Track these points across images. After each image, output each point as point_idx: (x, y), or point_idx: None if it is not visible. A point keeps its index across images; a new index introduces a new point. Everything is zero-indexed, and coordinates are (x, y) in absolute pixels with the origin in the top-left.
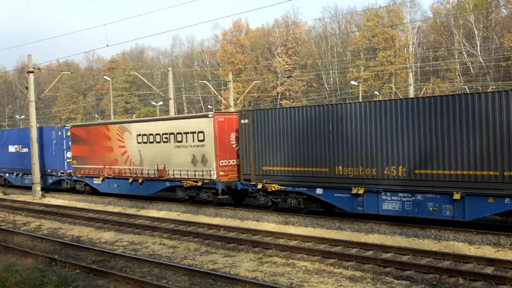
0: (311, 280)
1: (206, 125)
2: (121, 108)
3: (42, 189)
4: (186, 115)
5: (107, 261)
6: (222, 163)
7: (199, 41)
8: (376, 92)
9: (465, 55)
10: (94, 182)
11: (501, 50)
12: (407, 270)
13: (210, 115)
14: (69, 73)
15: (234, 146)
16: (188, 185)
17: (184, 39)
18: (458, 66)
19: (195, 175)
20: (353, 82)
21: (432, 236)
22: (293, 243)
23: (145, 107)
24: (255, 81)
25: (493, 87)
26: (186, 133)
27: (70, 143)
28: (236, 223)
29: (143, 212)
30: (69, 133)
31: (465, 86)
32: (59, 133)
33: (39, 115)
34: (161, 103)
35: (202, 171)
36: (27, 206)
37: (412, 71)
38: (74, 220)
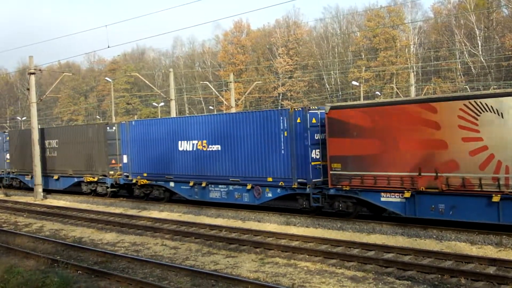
0: (313, 280)
1: None
2: (123, 109)
3: (253, 207)
4: None
5: (109, 262)
6: None
7: (200, 42)
8: (377, 93)
9: (466, 55)
10: (384, 199)
11: (502, 49)
12: (409, 270)
13: None
14: (71, 74)
15: None
16: None
17: (185, 40)
18: (460, 66)
19: None
20: (354, 83)
21: (434, 236)
22: (295, 243)
23: (147, 108)
24: (256, 82)
25: (495, 87)
26: None
27: (324, 136)
28: (238, 223)
29: (144, 213)
30: (314, 120)
31: (467, 86)
32: (298, 120)
33: (41, 116)
34: (162, 104)
35: None
36: (29, 208)
37: (413, 71)
38: (76, 221)
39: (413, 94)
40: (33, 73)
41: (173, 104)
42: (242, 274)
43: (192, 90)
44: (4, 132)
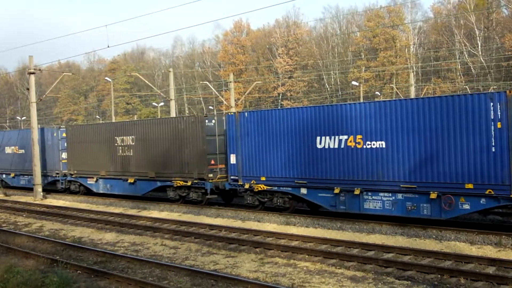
0: (312, 280)
1: None
2: (122, 109)
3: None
4: None
5: (108, 262)
6: None
7: (200, 41)
8: (377, 93)
9: (466, 55)
10: None
11: (502, 50)
12: (409, 270)
13: None
14: (70, 74)
15: None
16: None
17: (185, 40)
18: (459, 66)
19: None
20: (354, 83)
21: (434, 236)
22: (294, 243)
23: (146, 108)
24: (256, 82)
25: (494, 87)
26: None
27: None
28: (238, 223)
29: (144, 213)
30: None
31: (467, 86)
32: None
33: (40, 116)
34: (162, 104)
35: None
36: (29, 207)
37: (413, 71)
38: (75, 221)
39: (413, 94)
40: (33, 73)
41: (173, 104)
42: (242, 274)
43: (192, 90)
44: (60, 127)
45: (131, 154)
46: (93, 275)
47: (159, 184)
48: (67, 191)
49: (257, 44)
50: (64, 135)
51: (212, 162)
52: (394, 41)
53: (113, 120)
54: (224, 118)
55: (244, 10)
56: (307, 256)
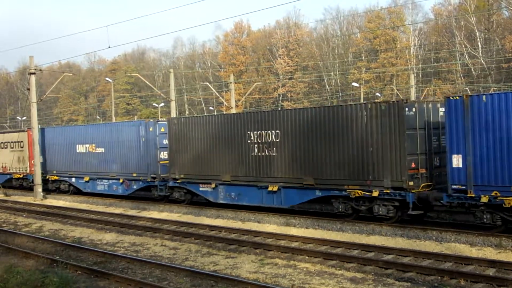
0: (312, 281)
1: None
2: (123, 109)
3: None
4: None
5: (108, 263)
6: None
7: (201, 42)
8: (377, 94)
9: (466, 56)
10: None
11: (502, 51)
12: (409, 271)
13: None
14: (71, 74)
15: None
16: None
17: (186, 40)
18: (460, 68)
19: None
20: (354, 84)
21: (434, 237)
22: (294, 244)
23: (147, 109)
24: (257, 83)
25: (495, 89)
26: None
27: None
28: (238, 224)
29: (144, 214)
30: None
31: (467, 88)
32: None
33: (41, 116)
34: (162, 104)
35: None
36: (29, 208)
37: (413, 73)
38: (75, 221)
39: (413, 96)
40: (34, 73)
41: (173, 104)
42: (242, 275)
43: (192, 91)
44: (158, 121)
45: (274, 153)
46: (93, 275)
47: (318, 193)
48: (165, 199)
49: (258, 45)
50: (162, 130)
51: (413, 165)
52: (394, 43)
53: (113, 121)
54: (433, 105)
55: (244, 11)
56: (307, 257)
